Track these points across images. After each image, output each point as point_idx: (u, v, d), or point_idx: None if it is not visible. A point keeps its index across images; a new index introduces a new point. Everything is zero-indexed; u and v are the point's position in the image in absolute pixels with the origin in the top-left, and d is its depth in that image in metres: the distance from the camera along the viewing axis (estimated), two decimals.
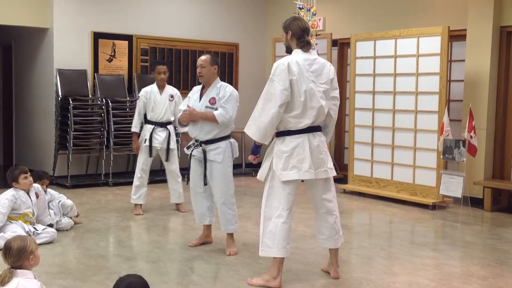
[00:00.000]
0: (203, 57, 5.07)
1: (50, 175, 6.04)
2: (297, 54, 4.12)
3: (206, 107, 4.91)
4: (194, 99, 5.05)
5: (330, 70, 4.18)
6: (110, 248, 5.25)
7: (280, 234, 4.05)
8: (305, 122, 4.06)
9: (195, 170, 5.08)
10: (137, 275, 2.70)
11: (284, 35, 4.23)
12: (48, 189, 5.87)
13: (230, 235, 5.03)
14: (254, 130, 4.10)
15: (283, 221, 4.05)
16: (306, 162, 4.04)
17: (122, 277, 2.64)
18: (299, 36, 4.15)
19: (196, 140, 4.99)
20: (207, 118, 4.86)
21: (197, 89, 5.14)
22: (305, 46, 4.15)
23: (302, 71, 4.02)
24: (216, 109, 4.87)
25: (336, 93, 4.27)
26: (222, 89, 4.96)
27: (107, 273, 4.43)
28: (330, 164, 4.20)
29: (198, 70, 5.04)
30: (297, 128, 4.07)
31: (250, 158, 4.25)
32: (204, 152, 4.92)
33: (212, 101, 4.91)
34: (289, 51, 4.23)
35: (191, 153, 5.03)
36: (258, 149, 4.21)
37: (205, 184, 5.00)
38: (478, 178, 7.16)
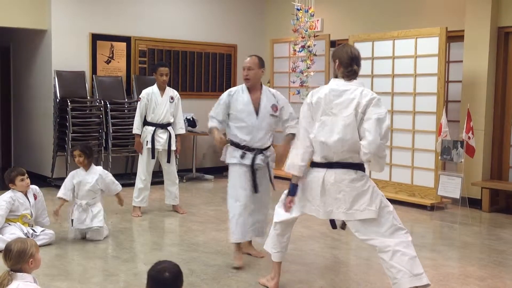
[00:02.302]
0: (249, 59, 4.76)
1: (90, 149, 5.64)
2: (331, 83, 3.81)
3: (271, 115, 4.69)
4: (248, 108, 4.67)
5: (361, 102, 3.64)
6: (108, 250, 5.25)
7: (272, 238, 4.12)
8: (319, 156, 3.77)
9: (246, 181, 4.68)
10: (172, 262, 2.65)
11: (333, 65, 3.85)
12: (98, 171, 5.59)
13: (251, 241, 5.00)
14: (294, 163, 3.79)
15: (275, 228, 4.08)
16: (316, 199, 3.79)
17: (157, 262, 2.62)
18: (346, 64, 3.75)
19: (250, 149, 4.66)
20: (291, 143, 4.39)
21: (238, 95, 4.74)
22: (351, 75, 3.75)
23: (319, 104, 3.73)
24: (277, 117, 4.70)
25: (367, 123, 3.60)
26: (281, 98, 4.75)
27: (106, 275, 4.43)
28: (358, 205, 3.67)
29: (244, 72, 4.73)
30: (315, 161, 3.80)
31: (288, 200, 3.83)
32: (267, 159, 4.74)
33: (275, 108, 4.69)
34: None
35: (252, 163, 4.65)
36: (295, 188, 3.80)
37: (257, 191, 4.75)
38: (476, 178, 7.17)
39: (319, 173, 3.77)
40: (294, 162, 3.75)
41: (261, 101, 4.72)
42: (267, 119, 4.70)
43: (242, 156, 4.68)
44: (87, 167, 5.53)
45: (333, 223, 3.95)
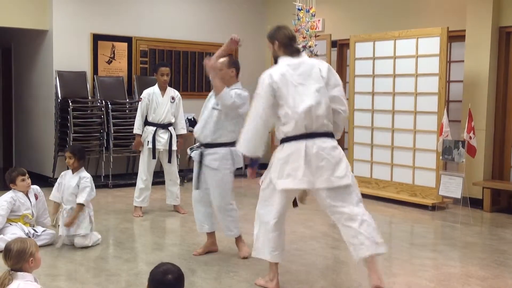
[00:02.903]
0: (220, 60, 4.86)
1: (80, 151, 5.42)
2: (282, 61, 4.00)
3: (213, 108, 4.77)
4: (207, 101, 4.90)
5: (321, 69, 3.96)
6: (109, 250, 5.25)
7: (267, 240, 4.04)
8: (300, 128, 3.88)
9: (195, 173, 4.98)
10: (174, 264, 2.66)
11: (271, 46, 4.09)
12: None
13: (238, 239, 4.99)
14: (244, 145, 4.02)
15: (268, 228, 4.02)
16: (300, 170, 3.85)
17: (159, 264, 2.62)
18: (286, 45, 4.03)
19: (199, 143, 4.91)
20: (216, 82, 4.61)
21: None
22: (294, 53, 4.01)
23: (286, 78, 3.88)
24: (221, 110, 4.71)
25: (338, 90, 4.00)
26: (235, 91, 4.73)
27: (107, 275, 4.43)
28: (339, 172, 3.85)
29: None
30: (294, 134, 3.90)
31: (249, 171, 4.14)
32: (201, 156, 4.83)
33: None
34: (277, 61, 4.08)
35: (190, 155, 4.97)
36: (254, 162, 4.08)
37: (197, 188, 4.92)
38: (477, 178, 7.17)
39: (299, 144, 3.88)
40: (257, 144, 3.96)
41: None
42: (209, 112, 4.80)
43: (191, 148, 4.96)
44: (75, 170, 5.29)
45: (294, 201, 4.19)
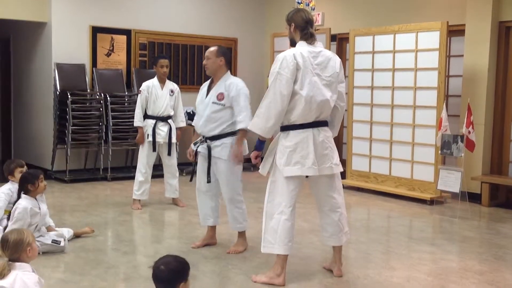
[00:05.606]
0: (210, 49, 4.87)
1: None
2: (302, 47, 4.02)
3: (213, 102, 4.74)
4: (201, 96, 4.88)
5: (336, 63, 4.09)
6: (108, 242, 5.26)
7: (282, 231, 4.00)
8: (309, 116, 3.97)
9: (201, 167, 4.94)
10: (176, 256, 2.67)
11: (288, 28, 4.14)
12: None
13: (241, 233, 4.95)
14: (261, 125, 3.99)
15: (285, 218, 4.00)
16: (310, 158, 3.95)
17: (162, 257, 2.66)
18: (302, 28, 4.07)
19: (203, 136, 4.87)
20: (243, 139, 4.70)
21: (205, 85, 4.96)
22: (309, 38, 4.06)
23: (307, 64, 3.93)
24: (223, 105, 4.69)
25: (342, 86, 4.17)
26: (234, 87, 4.72)
27: (106, 267, 4.44)
28: (336, 160, 4.11)
29: (204, 62, 4.87)
30: (301, 122, 3.98)
31: (254, 154, 4.15)
32: (209, 149, 4.79)
33: (220, 96, 4.72)
34: (293, 44, 4.13)
35: (196, 150, 4.90)
36: (262, 144, 4.13)
37: (208, 181, 4.86)
38: (476, 173, 7.17)
39: (306, 132, 4.00)
40: (274, 125, 3.98)
41: (212, 89, 4.82)
42: (210, 107, 4.76)
43: (195, 143, 4.93)
44: (38, 194, 4.74)
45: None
